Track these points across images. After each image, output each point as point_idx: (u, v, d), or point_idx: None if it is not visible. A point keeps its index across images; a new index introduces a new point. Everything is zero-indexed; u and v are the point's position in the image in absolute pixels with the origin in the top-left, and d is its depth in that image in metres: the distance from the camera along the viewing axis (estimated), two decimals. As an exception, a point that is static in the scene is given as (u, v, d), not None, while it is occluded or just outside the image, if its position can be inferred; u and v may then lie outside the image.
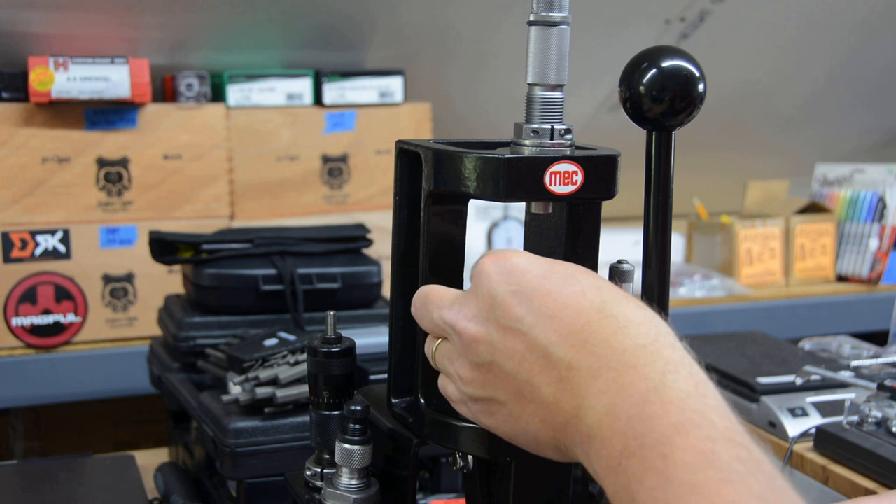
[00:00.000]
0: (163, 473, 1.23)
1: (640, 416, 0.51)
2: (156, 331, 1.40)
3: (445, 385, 0.65)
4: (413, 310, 0.67)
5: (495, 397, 0.60)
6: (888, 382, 1.19)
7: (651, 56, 0.66)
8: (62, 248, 1.77)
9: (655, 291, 0.69)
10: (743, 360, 1.46)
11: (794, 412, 1.30)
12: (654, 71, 0.65)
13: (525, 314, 0.58)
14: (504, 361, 0.58)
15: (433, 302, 0.65)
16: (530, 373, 0.57)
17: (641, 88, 0.65)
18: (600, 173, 0.67)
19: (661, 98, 0.65)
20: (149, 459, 1.31)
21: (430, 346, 0.66)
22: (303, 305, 1.24)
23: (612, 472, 0.51)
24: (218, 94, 1.92)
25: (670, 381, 0.52)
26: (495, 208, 2.19)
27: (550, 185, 0.66)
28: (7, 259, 1.73)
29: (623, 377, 0.53)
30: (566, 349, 0.56)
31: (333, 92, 1.96)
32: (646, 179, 0.69)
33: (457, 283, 0.72)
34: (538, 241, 0.76)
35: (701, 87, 0.66)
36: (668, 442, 0.49)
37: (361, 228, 1.43)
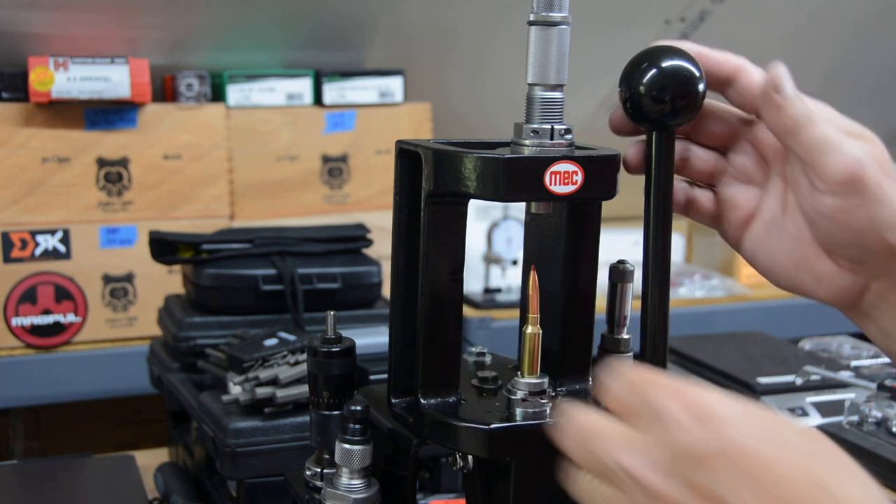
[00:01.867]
0: (163, 473, 1.23)
1: None
2: (156, 331, 1.40)
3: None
4: (566, 440, 0.54)
5: None
6: (888, 382, 1.19)
7: (651, 55, 0.66)
8: (62, 248, 1.77)
9: (655, 292, 0.69)
10: (743, 360, 1.46)
11: (794, 412, 1.30)
12: (654, 70, 0.65)
13: (732, 480, 0.47)
14: None
15: (597, 437, 0.52)
16: None
17: (642, 88, 0.65)
18: (600, 173, 0.67)
19: (661, 98, 0.65)
20: (149, 459, 1.31)
21: (589, 486, 0.53)
22: (303, 305, 1.24)
23: None
24: (218, 94, 1.92)
25: None
26: (495, 208, 2.19)
27: (550, 185, 0.66)
28: (7, 259, 1.73)
29: None
30: None
31: (333, 92, 1.96)
32: (646, 179, 0.69)
33: (457, 282, 0.72)
34: (538, 241, 0.76)
35: (701, 86, 0.66)
36: None
37: (361, 228, 1.43)
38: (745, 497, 0.46)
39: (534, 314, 0.69)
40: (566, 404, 0.56)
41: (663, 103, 0.65)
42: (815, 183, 0.64)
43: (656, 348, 0.70)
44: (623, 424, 0.52)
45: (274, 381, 1.05)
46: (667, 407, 0.50)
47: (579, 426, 0.53)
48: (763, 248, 0.70)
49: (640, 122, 0.68)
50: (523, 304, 0.76)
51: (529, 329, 0.69)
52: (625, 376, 0.53)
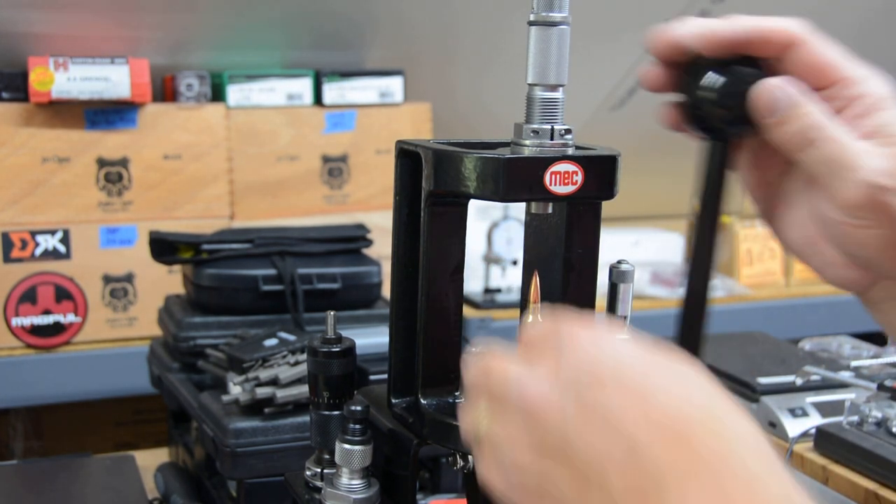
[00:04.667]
0: (163, 473, 1.23)
1: None
2: (156, 331, 1.40)
3: (483, 458, 0.53)
4: (468, 375, 0.56)
5: (552, 492, 0.50)
6: (888, 382, 1.19)
7: (721, 60, 0.60)
8: (62, 248, 1.77)
9: (693, 301, 0.65)
10: (743, 360, 1.46)
11: (794, 412, 1.30)
12: (724, 78, 0.59)
13: (618, 400, 0.48)
14: (578, 452, 0.48)
15: (496, 369, 0.53)
16: (607, 473, 0.47)
17: (712, 94, 0.59)
18: (600, 173, 0.67)
19: (727, 105, 0.60)
20: (149, 459, 1.31)
21: (474, 421, 0.54)
22: (303, 305, 1.24)
23: None
24: (218, 94, 1.92)
25: (794, 498, 0.45)
26: (495, 208, 2.19)
27: (550, 185, 0.66)
28: (7, 259, 1.73)
29: (727, 483, 0.45)
30: (661, 451, 0.47)
31: (333, 92, 1.96)
32: (699, 188, 0.65)
33: (457, 283, 0.72)
34: (538, 241, 0.76)
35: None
36: None
37: (361, 228, 1.43)
38: (632, 418, 0.48)
39: (535, 303, 0.67)
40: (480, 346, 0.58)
41: (728, 111, 0.60)
42: (828, 199, 0.59)
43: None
44: (527, 362, 0.53)
45: (274, 381, 1.05)
46: (566, 336, 0.51)
47: (484, 358, 0.55)
48: (777, 209, 0.66)
49: (698, 130, 0.62)
50: (523, 305, 0.76)
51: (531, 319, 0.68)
52: (537, 322, 0.56)
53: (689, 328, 0.64)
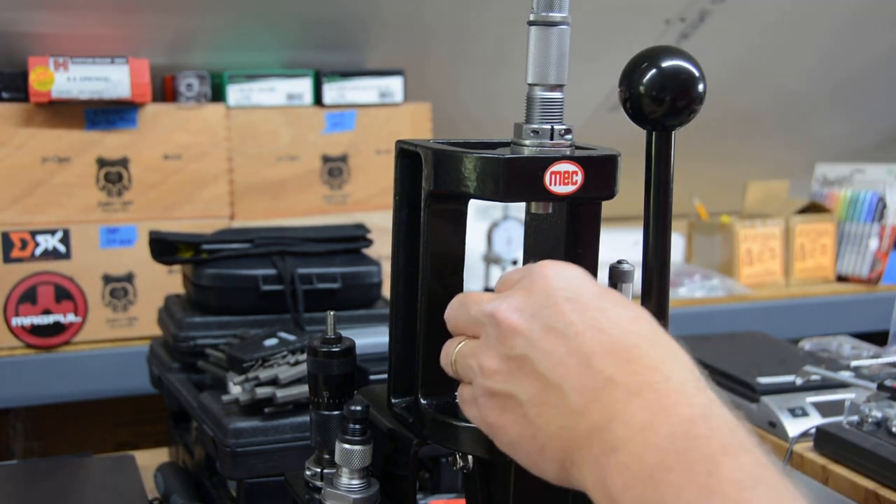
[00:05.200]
0: (163, 473, 1.23)
1: (685, 434, 0.51)
2: (156, 331, 1.40)
3: (461, 389, 0.63)
4: (448, 311, 0.65)
5: (515, 394, 0.58)
6: (888, 382, 1.19)
7: (651, 56, 0.66)
8: (62, 248, 1.77)
9: (655, 292, 0.69)
10: (743, 360, 1.46)
11: (794, 412, 1.30)
12: (654, 71, 0.65)
13: (576, 320, 0.57)
14: (539, 359, 0.57)
15: (473, 300, 0.63)
16: (564, 377, 0.56)
17: (641, 88, 0.65)
18: (600, 173, 0.67)
19: (661, 98, 0.65)
20: (149, 459, 1.31)
21: (452, 347, 0.64)
22: (303, 305, 1.24)
23: (639, 483, 0.50)
24: (218, 94, 1.92)
25: (717, 412, 0.53)
26: (495, 208, 2.19)
27: (550, 185, 0.66)
28: (7, 259, 1.73)
29: (666, 399, 0.53)
30: (609, 363, 0.55)
31: (333, 92, 1.96)
32: (646, 179, 0.69)
33: (457, 283, 0.72)
34: (538, 241, 0.76)
35: (701, 87, 0.66)
36: (714, 460, 0.49)
37: (361, 228, 1.43)
38: (588, 336, 0.57)
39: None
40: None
41: (663, 103, 0.65)
42: None
43: None
44: (500, 294, 0.62)
45: (274, 381, 1.05)
46: (544, 269, 0.61)
47: (459, 296, 0.65)
48: None
49: (640, 123, 0.68)
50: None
51: None
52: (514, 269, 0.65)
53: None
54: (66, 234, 1.77)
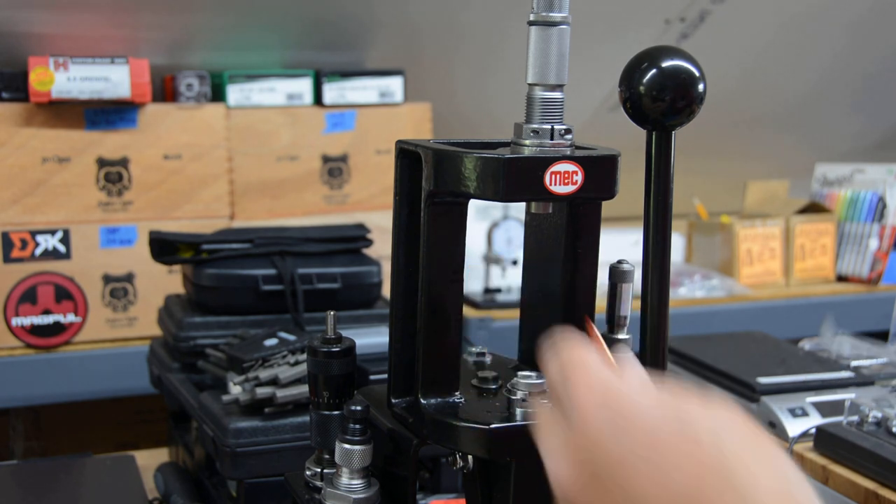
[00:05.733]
0: (163, 473, 1.23)
1: None
2: (156, 331, 1.40)
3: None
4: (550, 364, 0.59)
5: None
6: (888, 382, 1.19)
7: (651, 56, 0.66)
8: (62, 248, 1.77)
9: (655, 291, 0.69)
10: (743, 360, 1.46)
11: (794, 412, 1.30)
12: (654, 71, 0.65)
13: (627, 455, 0.50)
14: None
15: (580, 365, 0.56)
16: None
17: (641, 88, 0.65)
18: (600, 173, 0.67)
19: (661, 98, 0.65)
20: (149, 459, 1.31)
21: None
22: (303, 305, 1.24)
23: None
24: (218, 94, 1.92)
25: None
26: (495, 208, 2.19)
27: (550, 185, 0.66)
28: (7, 259, 1.73)
29: None
30: None
31: (333, 92, 1.96)
32: (646, 179, 0.69)
33: (457, 283, 0.72)
34: (538, 241, 0.76)
35: (701, 87, 0.66)
36: None
37: (361, 228, 1.43)
38: (643, 483, 0.48)
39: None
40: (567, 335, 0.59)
41: (663, 103, 0.65)
42: None
43: (656, 348, 0.70)
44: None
45: (274, 381, 1.05)
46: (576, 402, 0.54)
47: (565, 357, 0.57)
48: None
49: (640, 123, 0.68)
50: (523, 307, 0.76)
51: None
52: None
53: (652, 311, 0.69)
54: (66, 234, 1.77)
